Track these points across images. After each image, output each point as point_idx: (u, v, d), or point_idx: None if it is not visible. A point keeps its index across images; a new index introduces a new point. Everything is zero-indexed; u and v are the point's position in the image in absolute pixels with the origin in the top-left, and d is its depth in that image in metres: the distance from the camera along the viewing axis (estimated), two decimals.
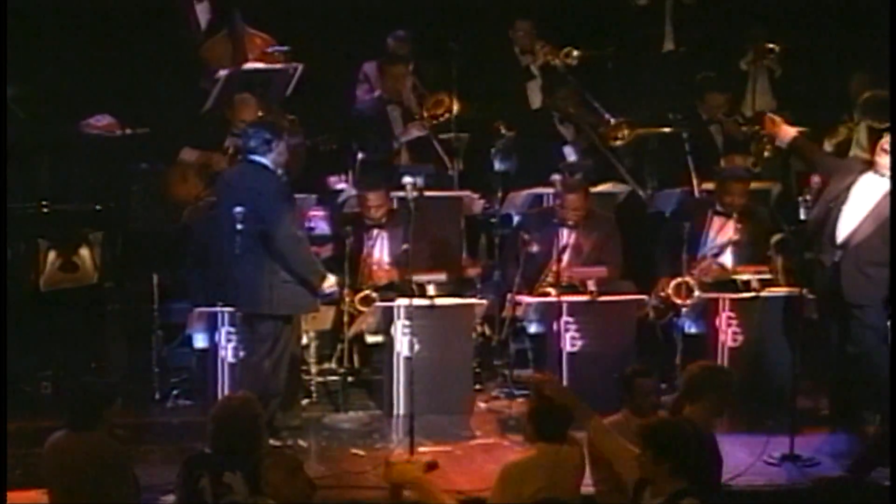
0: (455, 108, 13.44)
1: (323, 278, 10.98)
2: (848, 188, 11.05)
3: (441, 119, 13.50)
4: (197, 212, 12.37)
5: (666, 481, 7.62)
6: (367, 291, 11.96)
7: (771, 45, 14.39)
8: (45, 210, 12.40)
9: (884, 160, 10.95)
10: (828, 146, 13.19)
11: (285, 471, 8.13)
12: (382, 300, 11.80)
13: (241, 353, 11.10)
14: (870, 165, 11.14)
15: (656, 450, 7.61)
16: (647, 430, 7.85)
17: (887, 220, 10.90)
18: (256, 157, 10.86)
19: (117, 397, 9.27)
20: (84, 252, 12.26)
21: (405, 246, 11.66)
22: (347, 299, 11.93)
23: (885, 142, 10.99)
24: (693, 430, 7.83)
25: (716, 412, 8.92)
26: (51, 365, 11.91)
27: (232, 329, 11.22)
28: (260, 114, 12.50)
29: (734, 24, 14.63)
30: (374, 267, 12.30)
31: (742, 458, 10.64)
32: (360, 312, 11.98)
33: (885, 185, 10.96)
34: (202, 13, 13.81)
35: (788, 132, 11.54)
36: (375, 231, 12.36)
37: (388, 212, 12.27)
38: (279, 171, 10.90)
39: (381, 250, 12.40)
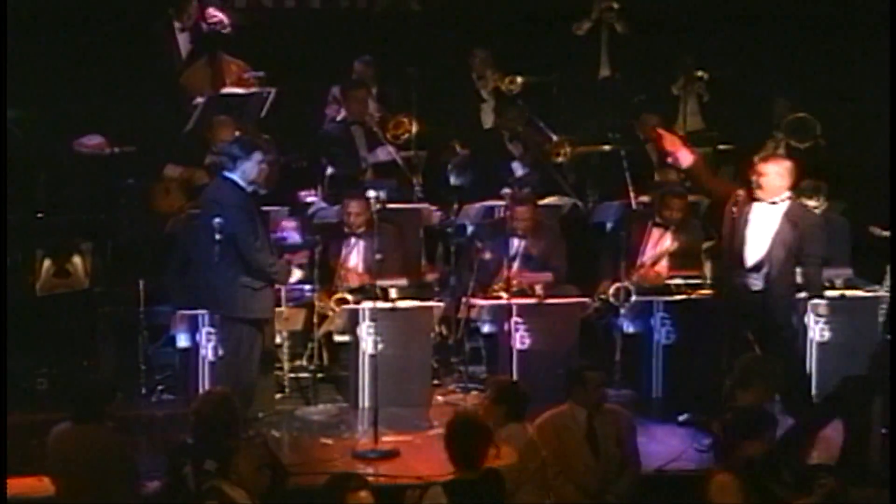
0: (414, 128, 13.47)
1: (288, 273, 11.02)
2: (747, 212, 11.05)
3: (402, 139, 13.54)
4: (179, 223, 12.34)
5: None
6: (341, 294, 11.96)
7: (700, 73, 14.47)
8: (41, 221, 12.37)
9: (764, 182, 10.96)
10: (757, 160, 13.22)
11: (254, 463, 8.14)
12: (353, 303, 11.79)
13: (220, 352, 11.07)
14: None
15: None
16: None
17: (793, 243, 10.96)
18: (226, 173, 10.88)
19: (117, 393, 9.30)
20: (76, 260, 12.24)
21: (378, 256, 11.71)
22: (320, 302, 11.91)
23: (761, 166, 11.03)
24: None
25: (764, 397, 9.21)
26: (46, 363, 11.87)
27: (211, 330, 11.16)
28: (236, 133, 12.47)
29: (664, 52, 14.67)
30: (348, 271, 12.28)
31: (675, 445, 10.71)
32: (330, 314, 11.99)
33: (778, 209, 10.98)
34: (183, 43, 13.75)
35: (687, 157, 11.35)
36: (353, 239, 12.33)
37: (367, 221, 12.27)
38: (247, 185, 10.83)
39: (356, 257, 12.36)
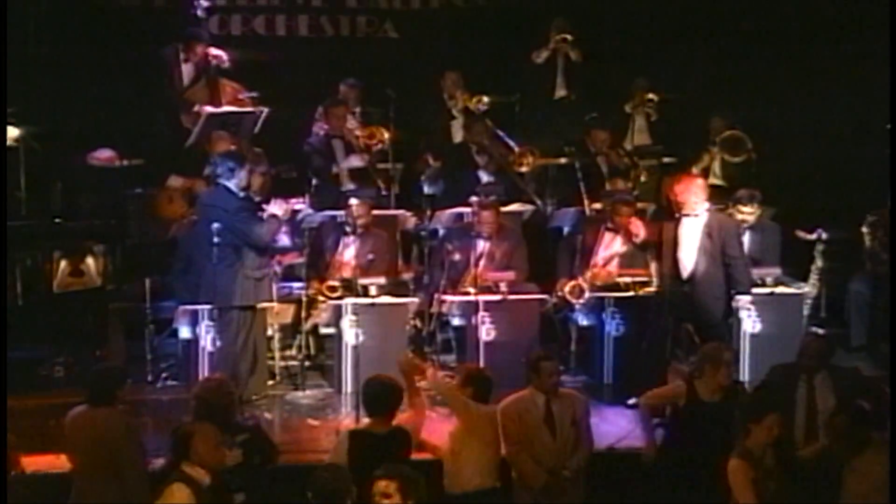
0: (386, 136, 13.46)
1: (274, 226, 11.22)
2: (675, 229, 11.28)
3: (375, 147, 13.53)
4: (181, 227, 12.32)
5: None
6: (333, 282, 11.95)
7: (651, 95, 14.50)
8: (58, 226, 12.35)
9: (681, 200, 11.23)
10: (694, 170, 13.27)
11: (211, 443, 8.09)
12: (337, 298, 11.78)
13: (218, 343, 11.09)
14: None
15: None
16: None
17: (714, 250, 11.22)
18: (222, 181, 11.02)
19: (128, 379, 9.30)
20: (90, 261, 12.19)
21: (371, 256, 11.73)
22: (312, 288, 11.95)
23: (675, 188, 11.35)
24: None
25: (722, 381, 9.28)
26: (63, 352, 11.82)
27: (210, 323, 11.13)
28: (232, 147, 12.47)
29: (611, 76, 14.68)
30: (342, 265, 12.25)
31: (623, 425, 10.72)
32: (316, 309, 11.99)
33: (699, 222, 11.24)
34: (187, 72, 13.72)
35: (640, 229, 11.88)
36: (352, 237, 12.33)
37: (366, 224, 12.28)
38: (241, 192, 11.02)
39: (351, 253, 12.33)
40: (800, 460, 8.80)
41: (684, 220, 11.29)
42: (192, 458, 7.94)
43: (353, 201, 12.32)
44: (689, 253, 11.26)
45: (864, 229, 12.93)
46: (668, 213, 11.65)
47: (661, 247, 11.41)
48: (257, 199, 11.46)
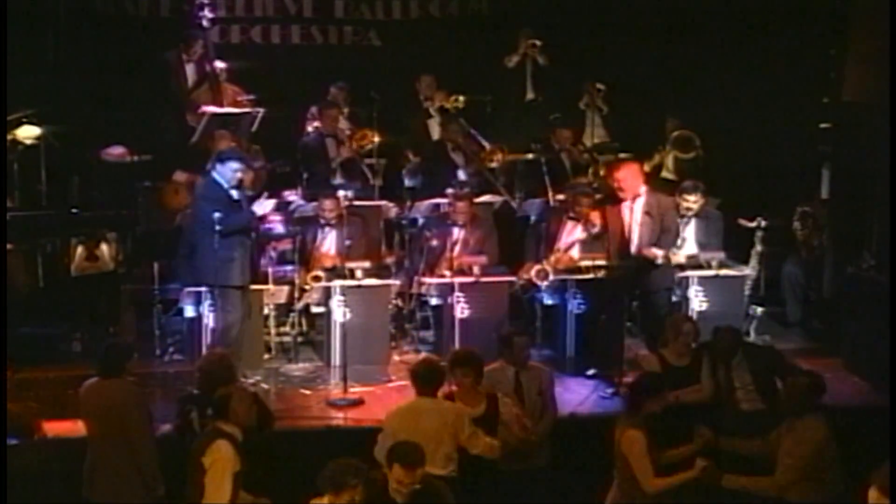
0: (376, 139, 13.48)
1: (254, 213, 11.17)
2: (621, 213, 11.68)
3: (365, 147, 13.55)
4: (186, 217, 12.28)
5: None
6: (316, 272, 11.94)
7: (599, 86, 14.52)
8: (75, 216, 12.33)
9: (623, 186, 11.61)
10: (647, 167, 13.30)
11: (246, 403, 8.18)
12: (325, 280, 11.80)
13: (220, 321, 11.08)
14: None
15: None
16: None
17: (653, 226, 11.57)
18: (213, 174, 11.03)
19: (134, 353, 9.32)
20: (104, 247, 12.17)
21: (347, 242, 11.73)
22: (300, 278, 11.95)
23: (616, 174, 11.75)
24: None
25: (682, 347, 9.60)
26: (79, 329, 11.84)
27: (212, 302, 11.17)
28: (232, 144, 12.46)
29: (576, 79, 14.70)
30: (323, 255, 12.27)
31: (584, 393, 10.82)
32: (307, 289, 12.00)
33: (638, 204, 11.63)
34: (191, 73, 13.68)
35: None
36: (327, 228, 12.33)
37: (338, 216, 12.28)
38: (226, 184, 10.94)
39: (329, 243, 12.34)
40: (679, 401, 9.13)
41: (627, 203, 11.50)
42: (231, 417, 7.99)
43: (327, 203, 12.26)
44: (634, 230, 11.49)
45: (795, 221, 13.04)
46: (614, 199, 11.80)
47: (608, 228, 11.54)
48: (250, 193, 11.41)
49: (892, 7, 11.45)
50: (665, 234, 11.69)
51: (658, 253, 11.59)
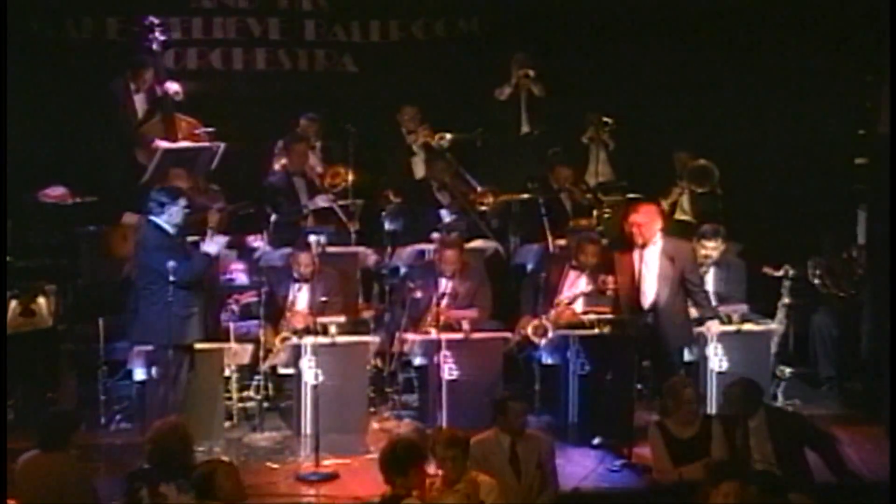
0: (350, 178, 13.48)
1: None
2: (635, 261, 11.21)
3: (339, 187, 13.53)
4: (134, 268, 12.24)
5: None
6: (286, 334, 11.90)
7: (605, 119, 14.53)
8: (8, 265, 12.25)
9: (640, 230, 11.18)
10: (664, 205, 13.29)
11: (233, 478, 8.12)
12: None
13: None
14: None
15: None
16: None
17: (674, 274, 11.19)
18: (152, 217, 10.93)
19: (81, 423, 9.24)
20: (41, 300, 12.10)
21: (323, 299, 11.68)
22: (268, 340, 11.91)
23: (632, 217, 11.26)
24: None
25: (686, 417, 9.60)
26: (13, 395, 11.72)
27: (164, 364, 11.06)
28: (188, 184, 12.41)
29: (575, 110, 14.72)
30: (295, 314, 12.18)
31: (589, 465, 10.73)
32: (275, 349, 11.94)
33: (656, 250, 11.21)
34: (140, 103, 13.67)
35: None
36: (299, 284, 12.30)
37: (313, 271, 12.24)
38: (171, 228, 10.85)
39: (303, 300, 12.30)
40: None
41: (642, 249, 11.27)
42: (218, 494, 7.90)
43: (302, 258, 12.23)
44: (651, 281, 11.24)
45: (811, 275, 13.01)
46: (626, 244, 11.65)
47: (618, 278, 11.41)
48: (190, 237, 11.33)
49: (892, 10, 11.67)
50: (693, 291, 11.42)
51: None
